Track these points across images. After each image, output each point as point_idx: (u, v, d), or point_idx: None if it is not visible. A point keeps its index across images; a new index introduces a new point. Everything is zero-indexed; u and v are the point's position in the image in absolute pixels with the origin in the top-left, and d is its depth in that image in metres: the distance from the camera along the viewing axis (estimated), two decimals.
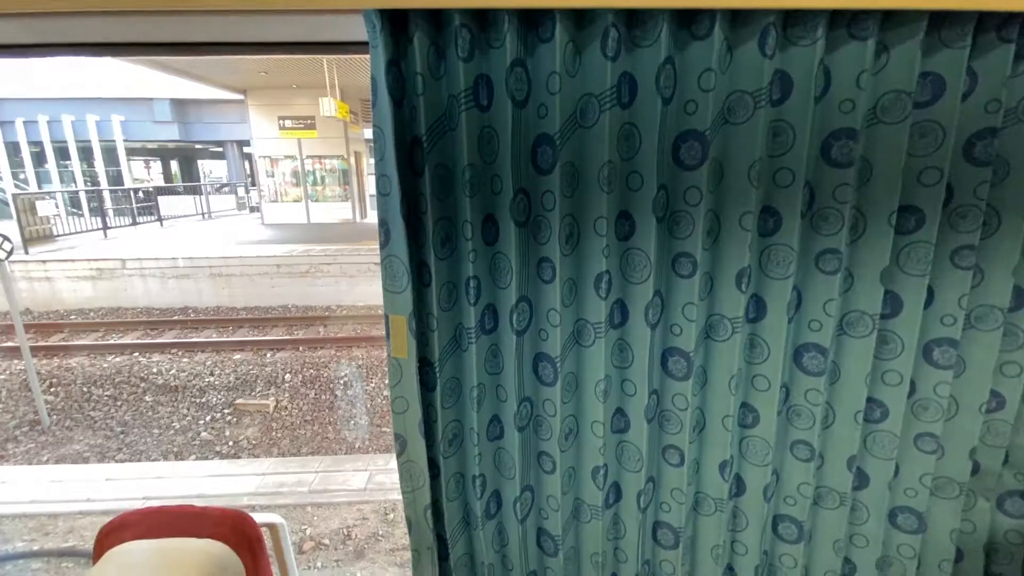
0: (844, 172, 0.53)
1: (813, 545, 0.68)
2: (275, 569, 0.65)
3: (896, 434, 0.62)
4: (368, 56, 0.52)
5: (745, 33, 0.51)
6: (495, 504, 0.68)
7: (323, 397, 4.97)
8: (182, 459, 4.07)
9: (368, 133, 15.32)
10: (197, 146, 19.65)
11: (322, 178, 12.90)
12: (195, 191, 16.29)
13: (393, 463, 3.88)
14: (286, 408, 4.81)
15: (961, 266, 0.56)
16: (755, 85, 0.51)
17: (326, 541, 2.97)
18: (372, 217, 14.35)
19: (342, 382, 5.24)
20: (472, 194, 0.55)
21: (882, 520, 0.66)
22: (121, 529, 0.68)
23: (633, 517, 0.68)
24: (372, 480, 3.53)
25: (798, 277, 0.57)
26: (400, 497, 3.13)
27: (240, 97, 12.29)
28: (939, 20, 0.49)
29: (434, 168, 0.55)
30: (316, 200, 13.04)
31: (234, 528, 0.68)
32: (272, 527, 0.81)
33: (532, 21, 0.53)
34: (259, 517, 0.77)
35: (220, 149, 19.36)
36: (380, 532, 3.08)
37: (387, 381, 0.64)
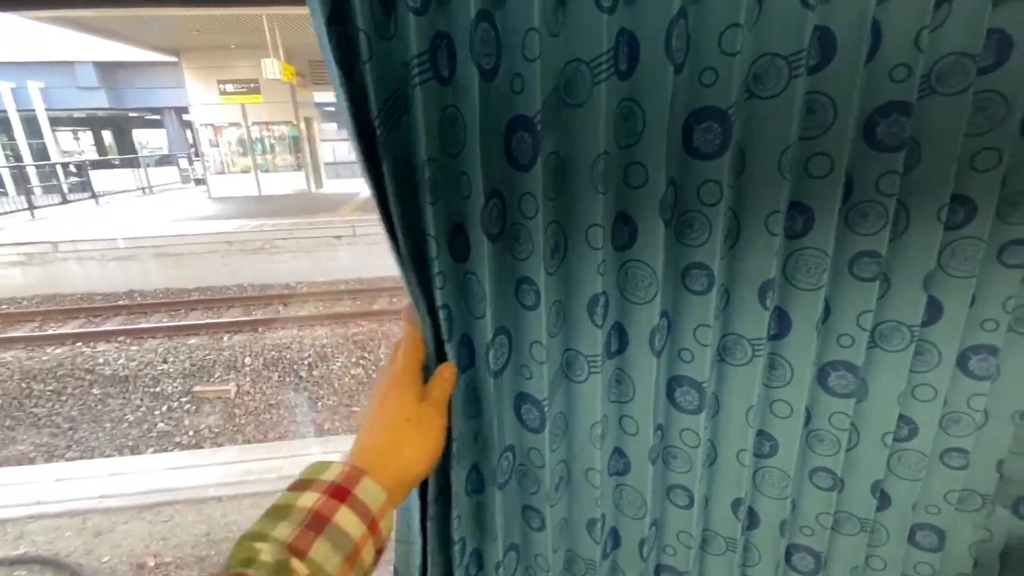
0: (892, 157, 0.44)
1: (828, 572, 0.63)
2: None
3: (925, 453, 0.56)
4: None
5: None
6: (475, 566, 0.58)
7: (287, 379, 4.80)
8: (139, 453, 3.87)
9: (319, 97, 14.50)
10: (131, 114, 18.18)
11: (271, 146, 12.20)
12: (132, 164, 15.14)
13: None
14: (248, 393, 4.62)
15: (1010, 264, 0.50)
16: (792, 47, 0.41)
17: None
18: (329, 187, 13.74)
19: (306, 363, 5.07)
20: (434, 199, 0.42)
21: (902, 541, 0.61)
22: None
23: (634, 567, 0.60)
24: None
25: (829, 286, 0.49)
26: None
27: (174, 59, 11.33)
28: None
29: (392, 163, 0.41)
30: (267, 170, 12.37)
31: None
32: None
33: None
34: None
35: (157, 117, 17.99)
36: None
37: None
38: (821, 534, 0.60)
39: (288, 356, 5.18)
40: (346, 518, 0.37)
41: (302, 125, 12.22)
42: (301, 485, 0.39)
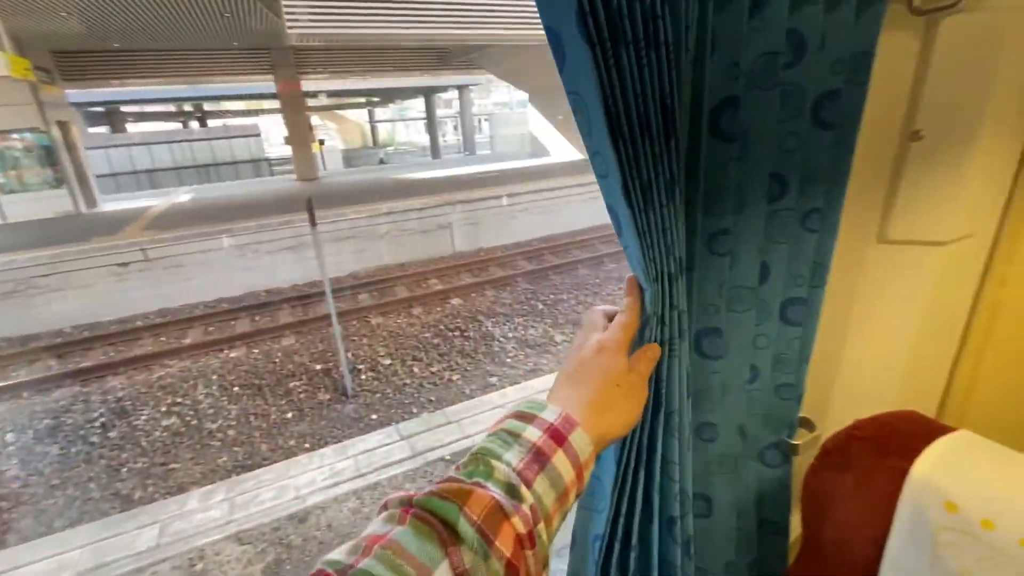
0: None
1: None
2: None
3: (683, 433, 0.61)
4: None
5: None
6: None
7: (73, 450, 3.91)
8: None
9: (76, 95, 11.79)
10: None
11: (15, 160, 9.67)
12: None
13: (192, 504, 3.24)
14: (18, 478, 3.67)
15: (718, 252, 0.56)
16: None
17: None
18: (105, 205, 11.38)
19: (98, 424, 4.19)
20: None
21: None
22: None
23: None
24: (166, 532, 2.95)
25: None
26: (209, 540, 2.62)
27: None
28: None
29: (626, 148, 0.46)
30: (12, 191, 9.81)
31: None
32: None
33: None
34: None
35: None
36: None
37: None
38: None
39: (71, 421, 4.23)
40: (561, 461, 0.40)
41: (55, 131, 9.91)
42: (525, 417, 0.42)
